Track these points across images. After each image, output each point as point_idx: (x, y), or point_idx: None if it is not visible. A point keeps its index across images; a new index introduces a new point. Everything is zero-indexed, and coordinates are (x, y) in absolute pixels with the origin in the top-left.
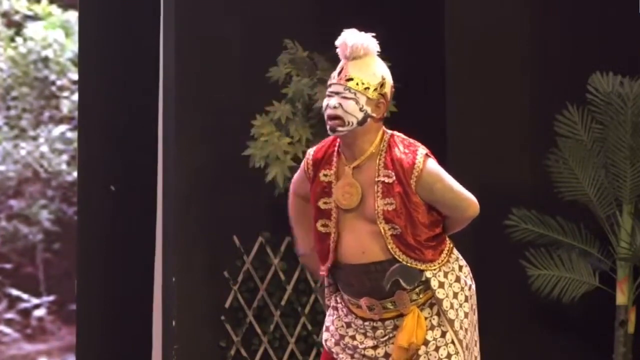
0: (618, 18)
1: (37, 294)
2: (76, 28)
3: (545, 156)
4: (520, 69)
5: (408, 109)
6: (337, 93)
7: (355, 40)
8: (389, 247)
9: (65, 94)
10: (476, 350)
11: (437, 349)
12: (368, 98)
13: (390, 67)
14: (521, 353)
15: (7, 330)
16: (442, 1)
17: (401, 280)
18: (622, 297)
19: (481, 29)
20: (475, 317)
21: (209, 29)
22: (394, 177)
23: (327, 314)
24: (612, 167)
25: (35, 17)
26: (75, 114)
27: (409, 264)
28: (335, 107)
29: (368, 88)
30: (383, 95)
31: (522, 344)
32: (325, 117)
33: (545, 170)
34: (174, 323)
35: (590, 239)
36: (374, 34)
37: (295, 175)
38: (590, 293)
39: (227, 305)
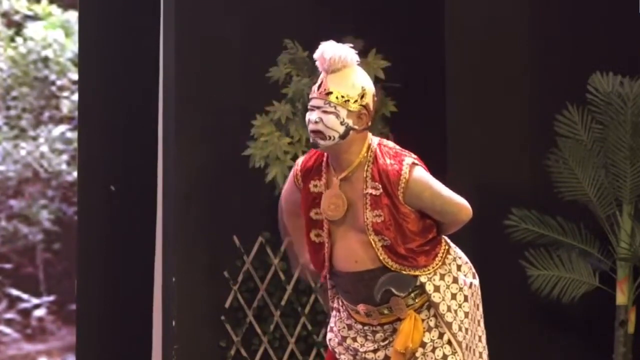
0: (618, 18)
1: (37, 294)
2: (76, 28)
3: (545, 156)
4: (520, 69)
5: (408, 109)
6: (317, 107)
7: (332, 53)
8: (380, 257)
9: (65, 94)
10: (480, 346)
11: (434, 349)
12: (349, 111)
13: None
14: (521, 353)
15: (7, 330)
16: (442, 1)
17: (393, 289)
18: (622, 297)
19: (481, 29)
20: (479, 312)
21: (209, 29)
22: (381, 189)
23: (332, 314)
24: (612, 167)
25: (35, 17)
26: (75, 114)
27: (401, 271)
28: (316, 122)
29: (348, 100)
30: (364, 106)
31: (522, 344)
32: (308, 131)
33: (545, 170)
34: (174, 323)
35: (590, 239)
36: (351, 45)
37: (284, 191)
38: (590, 293)
39: (227, 305)
